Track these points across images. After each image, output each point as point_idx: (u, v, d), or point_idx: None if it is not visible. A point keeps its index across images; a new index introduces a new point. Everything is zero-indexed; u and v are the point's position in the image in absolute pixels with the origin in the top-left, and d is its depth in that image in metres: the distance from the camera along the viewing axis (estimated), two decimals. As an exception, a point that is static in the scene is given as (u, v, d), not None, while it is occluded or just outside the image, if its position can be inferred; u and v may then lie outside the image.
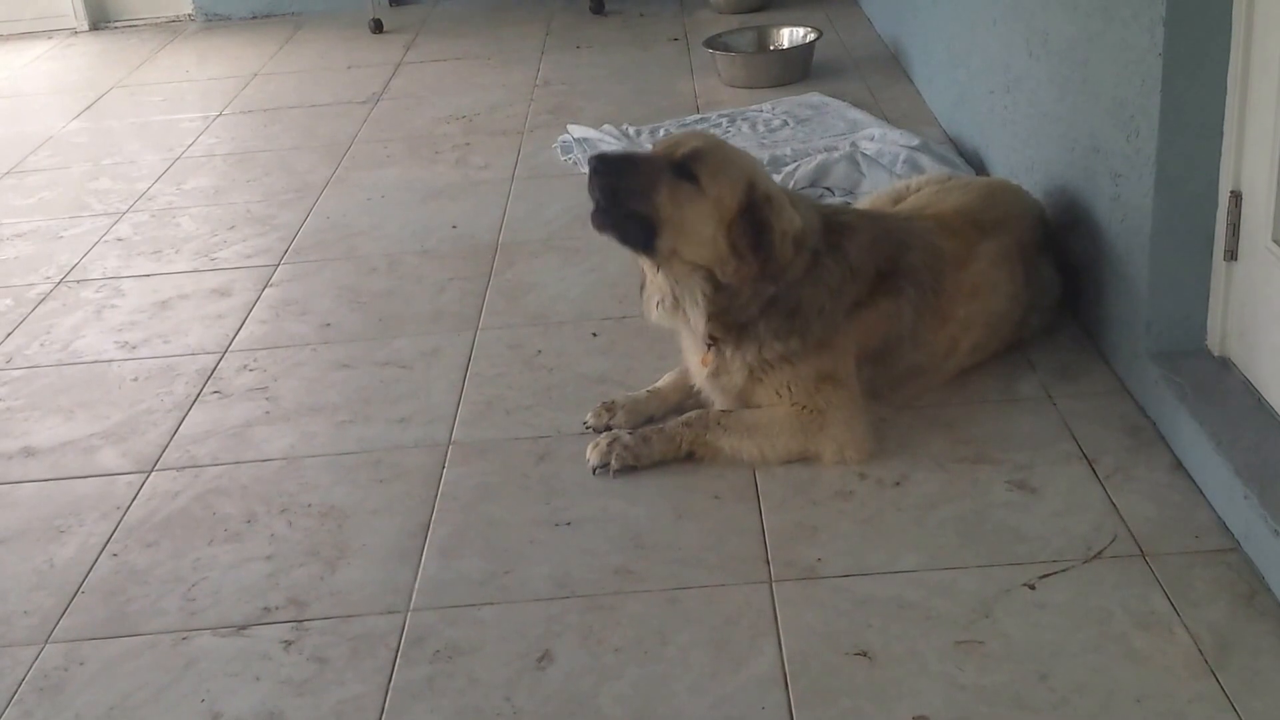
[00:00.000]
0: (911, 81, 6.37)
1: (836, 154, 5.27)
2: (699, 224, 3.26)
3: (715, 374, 3.49)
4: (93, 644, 3.00)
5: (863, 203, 4.30)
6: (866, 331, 3.46)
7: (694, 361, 3.57)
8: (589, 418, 3.64)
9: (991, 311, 3.69)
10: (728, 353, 3.44)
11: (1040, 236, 3.84)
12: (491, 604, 3.01)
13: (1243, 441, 3.07)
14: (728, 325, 3.39)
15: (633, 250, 3.36)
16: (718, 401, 3.57)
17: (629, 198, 3.24)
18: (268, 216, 5.44)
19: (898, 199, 4.06)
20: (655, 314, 3.48)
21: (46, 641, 3.02)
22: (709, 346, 3.45)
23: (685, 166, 3.26)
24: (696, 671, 2.76)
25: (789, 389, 3.42)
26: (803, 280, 3.36)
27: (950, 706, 2.60)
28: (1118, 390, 3.60)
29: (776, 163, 5.33)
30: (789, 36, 6.92)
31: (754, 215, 3.27)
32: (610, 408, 3.64)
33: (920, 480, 3.32)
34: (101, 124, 6.95)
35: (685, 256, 3.30)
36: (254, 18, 8.94)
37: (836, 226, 3.45)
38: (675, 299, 3.40)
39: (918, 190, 4.03)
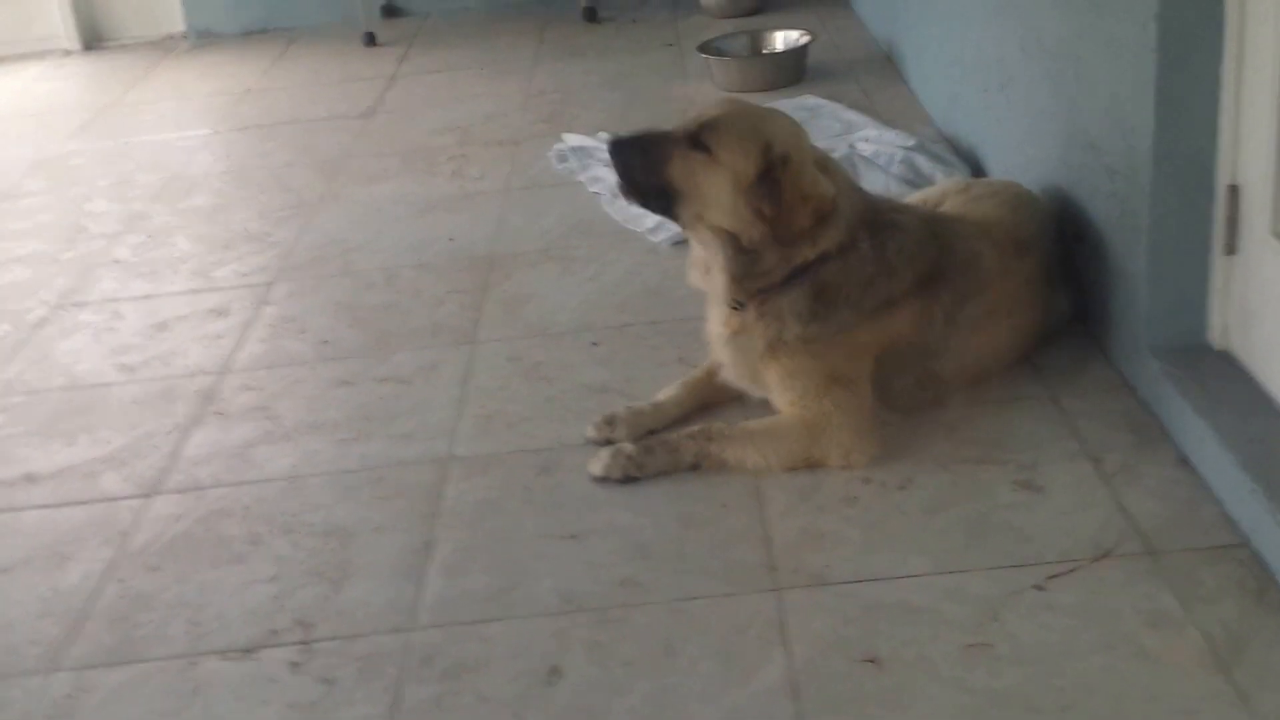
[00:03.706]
0: (906, 82, 6.36)
1: (833, 156, 5.24)
2: (716, 191, 3.32)
3: (735, 335, 3.50)
4: (100, 671, 2.99)
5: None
6: (893, 332, 3.45)
7: (715, 327, 3.58)
8: (590, 431, 3.63)
9: (1019, 327, 3.69)
10: (750, 319, 3.45)
11: (1060, 251, 3.83)
12: (498, 620, 3.00)
13: (1247, 435, 3.06)
14: (750, 290, 3.41)
15: (663, 217, 3.49)
16: (728, 366, 3.58)
17: (644, 173, 3.37)
18: (264, 234, 5.43)
19: None
20: (693, 277, 3.58)
21: (54, 670, 3.00)
22: (733, 309, 3.47)
23: (698, 137, 3.33)
24: (706, 682, 2.75)
25: (800, 381, 3.41)
26: (833, 261, 3.37)
27: (961, 711, 2.59)
28: (1120, 387, 3.59)
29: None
30: (782, 40, 6.90)
31: (772, 177, 3.29)
32: (611, 421, 3.62)
33: (925, 483, 3.31)
34: (96, 145, 6.94)
35: (710, 221, 3.37)
36: (246, 34, 8.92)
37: (884, 222, 3.45)
38: (707, 262, 3.48)
39: (939, 202, 3.96)
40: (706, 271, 3.50)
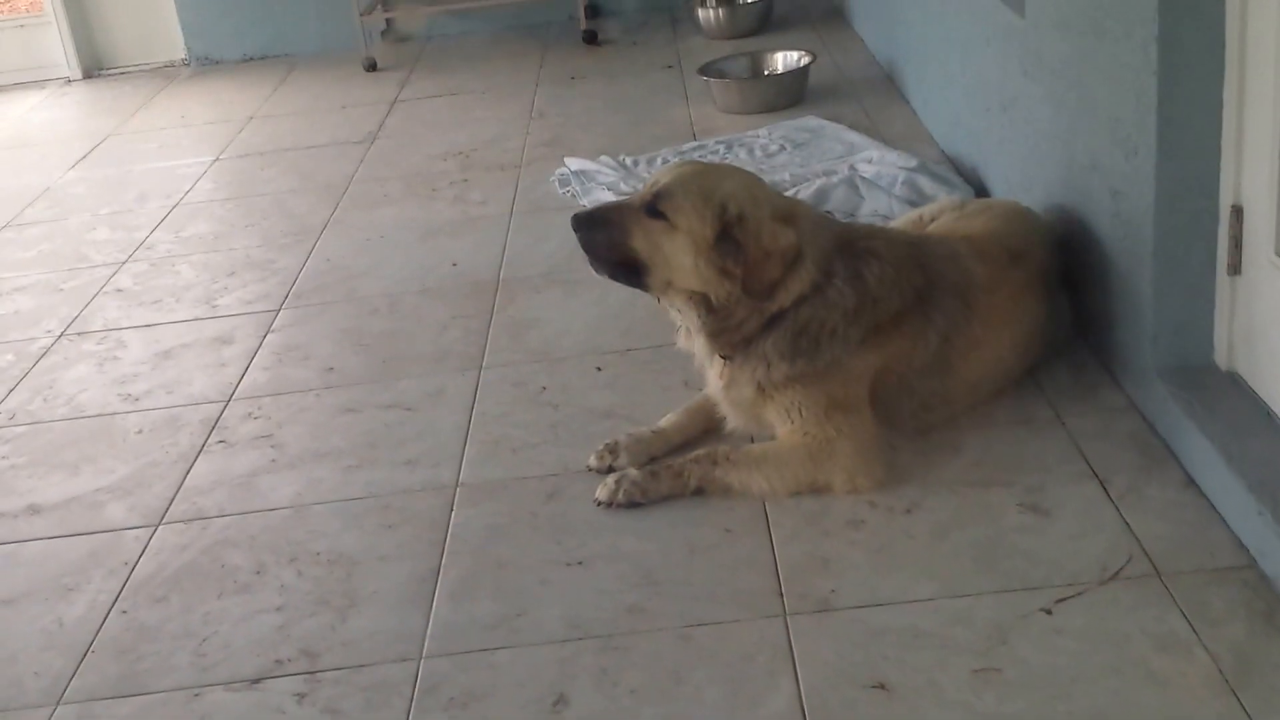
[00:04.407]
0: (907, 102, 6.36)
1: (835, 178, 5.25)
2: (678, 257, 3.35)
3: (727, 387, 3.51)
4: (105, 704, 2.98)
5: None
6: (886, 358, 3.45)
7: (712, 379, 3.59)
8: (592, 460, 3.62)
9: (1019, 338, 3.69)
10: (738, 366, 3.46)
11: (1058, 263, 3.83)
12: (505, 648, 2.99)
13: (1254, 456, 3.05)
14: (731, 343, 3.44)
15: (633, 288, 3.52)
16: (731, 417, 3.59)
17: (608, 248, 3.43)
18: (267, 261, 5.43)
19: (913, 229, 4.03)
20: (680, 341, 3.62)
21: (58, 703, 3.00)
22: (724, 361, 3.48)
23: (653, 206, 3.37)
24: (713, 710, 2.74)
25: (799, 413, 3.41)
26: (810, 300, 3.37)
27: (971, 737, 2.59)
28: (1127, 408, 3.58)
29: (775, 188, 5.32)
30: (783, 61, 6.91)
31: (731, 237, 3.31)
32: (613, 449, 3.62)
33: (931, 506, 3.30)
34: (98, 173, 6.95)
35: (680, 286, 3.41)
36: (247, 60, 8.95)
37: (859, 251, 3.45)
38: (687, 326, 3.52)
39: (933, 219, 4.00)
40: (689, 335, 3.54)
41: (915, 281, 3.47)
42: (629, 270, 3.43)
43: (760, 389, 3.44)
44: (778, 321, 3.39)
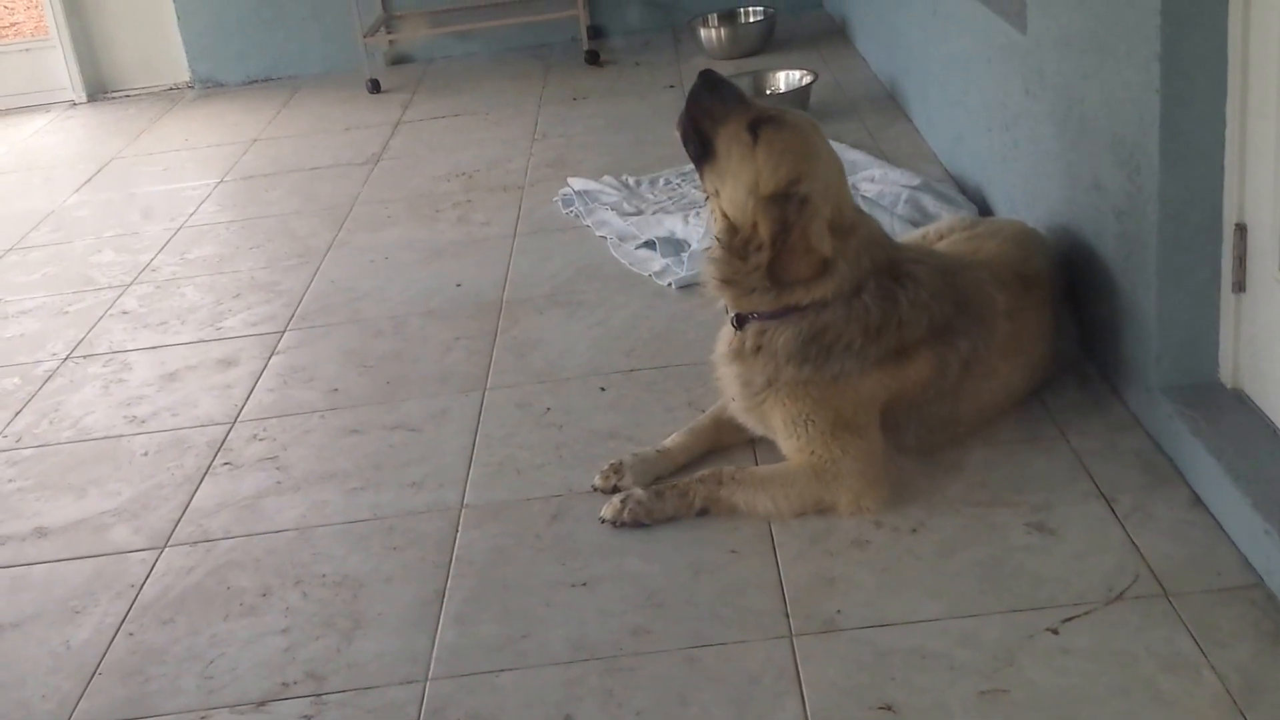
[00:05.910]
0: (910, 120, 6.37)
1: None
2: (736, 180, 3.36)
3: (736, 357, 3.51)
4: (111, 727, 2.98)
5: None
6: (905, 382, 3.43)
7: (721, 344, 3.61)
8: (596, 480, 3.62)
9: (1031, 364, 3.69)
10: (749, 349, 3.46)
11: (1064, 285, 3.84)
12: (510, 670, 2.99)
13: (1261, 475, 3.05)
14: (736, 302, 3.46)
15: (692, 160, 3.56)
16: (729, 392, 3.57)
17: (700, 116, 3.45)
18: (272, 283, 5.44)
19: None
20: (705, 257, 3.59)
21: (65, 726, 3.00)
22: (733, 326, 3.50)
23: (757, 124, 3.36)
24: (720, 732, 2.73)
25: (806, 428, 3.40)
26: (831, 307, 3.36)
27: (978, 758, 2.58)
28: (1132, 426, 3.58)
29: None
30: (785, 80, 6.92)
31: (782, 208, 3.30)
32: (618, 469, 3.61)
33: (937, 526, 3.30)
34: (103, 196, 6.96)
35: (721, 199, 3.42)
36: (250, 82, 8.96)
37: (900, 273, 3.44)
38: (714, 241, 3.52)
39: (940, 238, 3.99)
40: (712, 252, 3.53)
41: (946, 309, 3.46)
42: (701, 147, 3.45)
43: (770, 383, 3.44)
44: (791, 316, 3.39)
